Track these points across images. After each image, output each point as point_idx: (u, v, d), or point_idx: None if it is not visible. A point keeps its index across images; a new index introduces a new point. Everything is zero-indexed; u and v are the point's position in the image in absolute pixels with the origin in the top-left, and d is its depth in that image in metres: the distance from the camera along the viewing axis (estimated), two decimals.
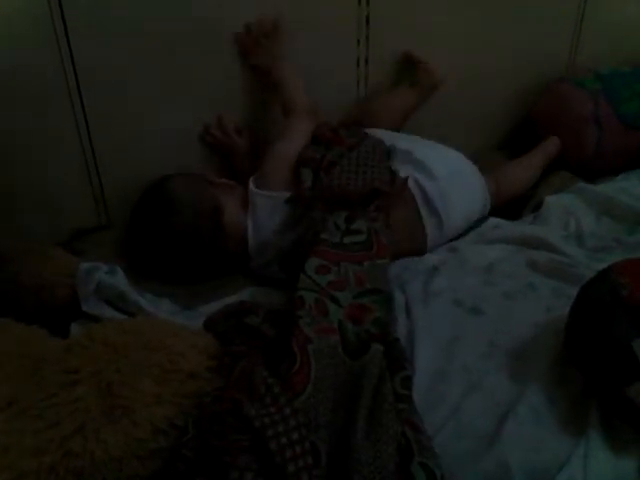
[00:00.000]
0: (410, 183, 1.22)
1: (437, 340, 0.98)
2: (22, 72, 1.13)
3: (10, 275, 1.05)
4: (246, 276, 1.22)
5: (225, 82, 1.33)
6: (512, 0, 1.57)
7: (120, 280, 1.10)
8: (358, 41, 1.43)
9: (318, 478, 0.75)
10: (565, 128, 1.56)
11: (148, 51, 1.22)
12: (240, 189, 1.26)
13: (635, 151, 1.55)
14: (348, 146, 1.25)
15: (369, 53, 1.45)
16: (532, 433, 0.83)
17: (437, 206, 1.22)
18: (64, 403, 0.78)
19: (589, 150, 1.54)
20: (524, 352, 0.95)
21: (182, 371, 0.84)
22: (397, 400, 0.83)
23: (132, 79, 1.23)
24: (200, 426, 0.81)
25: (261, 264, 1.22)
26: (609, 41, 1.71)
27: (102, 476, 0.77)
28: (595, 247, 1.24)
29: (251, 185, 1.22)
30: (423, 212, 1.22)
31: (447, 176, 1.25)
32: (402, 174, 1.22)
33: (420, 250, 1.23)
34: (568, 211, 1.34)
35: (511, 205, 1.42)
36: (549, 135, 1.58)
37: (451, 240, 1.27)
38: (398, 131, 1.46)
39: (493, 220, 1.32)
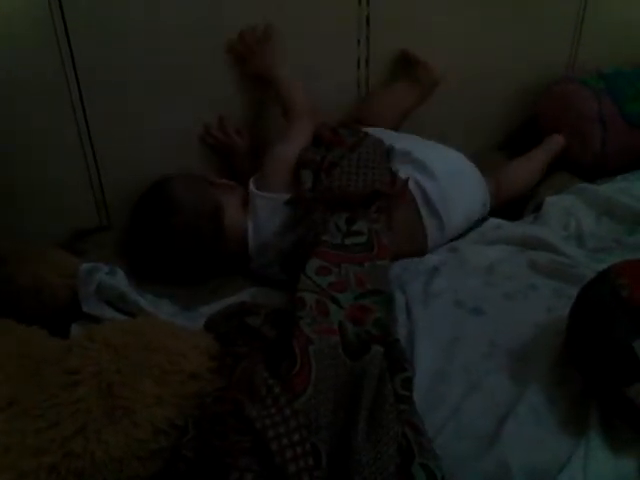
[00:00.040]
0: (410, 184, 1.22)
1: (437, 341, 0.98)
2: (22, 72, 1.13)
3: (10, 276, 1.05)
4: (246, 277, 1.23)
5: (225, 82, 1.33)
6: (512, 0, 1.57)
7: (120, 281, 1.10)
8: (358, 41, 1.43)
9: (319, 479, 0.75)
10: (569, 127, 1.56)
11: (148, 51, 1.22)
12: (240, 189, 1.26)
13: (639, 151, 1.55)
14: (348, 147, 1.25)
15: (369, 53, 1.45)
16: (532, 433, 0.83)
17: (437, 207, 1.22)
18: (65, 404, 0.78)
19: (594, 150, 1.53)
20: (524, 353, 0.95)
21: (183, 372, 0.84)
22: (397, 401, 0.83)
23: (132, 79, 1.23)
24: (201, 427, 0.81)
25: (261, 265, 1.22)
26: (609, 41, 1.71)
27: (102, 476, 0.77)
28: (595, 248, 1.24)
29: (251, 186, 1.22)
30: (423, 213, 1.22)
31: (447, 176, 1.25)
32: (402, 175, 1.22)
33: (420, 250, 1.23)
34: (568, 212, 1.34)
35: (512, 205, 1.42)
36: (552, 134, 1.58)
37: (452, 240, 1.27)
38: (397, 129, 1.46)
39: (494, 220, 1.32)
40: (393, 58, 1.49)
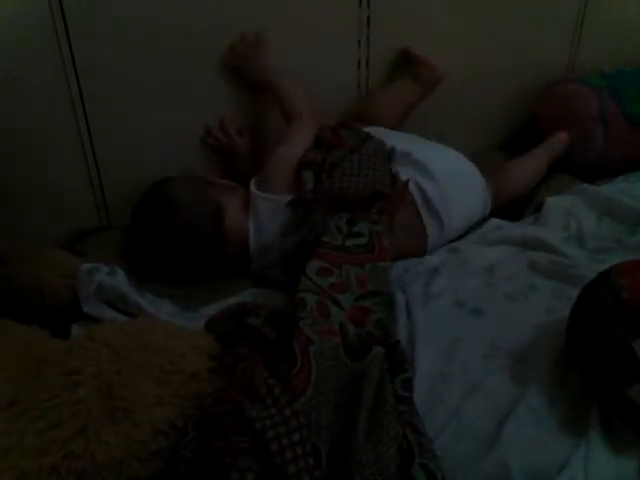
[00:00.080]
0: (411, 185, 1.22)
1: (438, 342, 0.98)
2: (23, 72, 1.13)
3: (11, 276, 1.05)
4: (246, 278, 1.22)
5: (225, 82, 1.33)
6: (512, 0, 1.57)
7: (121, 281, 1.10)
8: (359, 42, 1.43)
9: (319, 479, 0.75)
10: (570, 127, 1.56)
11: (148, 51, 1.22)
12: (241, 190, 1.26)
13: None
14: (349, 148, 1.25)
15: (370, 54, 1.45)
16: (533, 434, 0.83)
17: (437, 208, 1.22)
18: (66, 404, 0.78)
19: (595, 149, 1.53)
20: (525, 353, 0.95)
21: (183, 372, 0.84)
22: (398, 402, 0.83)
23: (132, 79, 1.23)
24: (201, 427, 0.81)
25: (262, 266, 1.22)
26: (609, 41, 1.71)
27: (102, 477, 0.77)
28: (596, 248, 1.24)
29: (253, 187, 1.22)
30: (423, 214, 1.22)
31: (447, 177, 1.25)
32: (403, 176, 1.22)
33: (421, 251, 1.23)
34: (569, 212, 1.34)
35: (512, 206, 1.42)
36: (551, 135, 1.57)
37: (452, 241, 1.27)
38: (399, 126, 1.46)
39: (494, 221, 1.32)
40: (393, 59, 1.49)
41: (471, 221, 1.31)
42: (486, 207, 1.35)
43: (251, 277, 1.23)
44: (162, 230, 1.17)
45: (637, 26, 1.75)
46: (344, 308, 0.95)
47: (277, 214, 1.19)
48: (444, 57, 1.47)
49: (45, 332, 0.96)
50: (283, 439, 0.77)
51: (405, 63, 1.49)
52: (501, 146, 1.72)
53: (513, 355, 0.95)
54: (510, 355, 0.95)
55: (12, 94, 1.14)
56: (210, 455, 0.78)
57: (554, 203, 1.36)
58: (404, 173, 1.23)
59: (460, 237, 1.28)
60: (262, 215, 1.20)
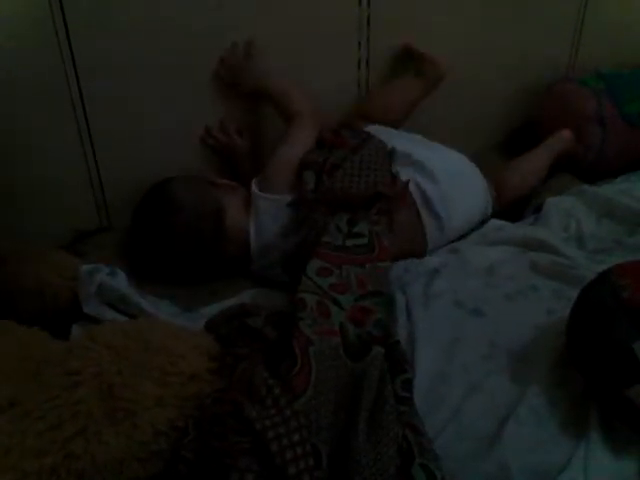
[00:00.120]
0: (411, 186, 1.22)
1: (438, 342, 0.98)
2: (22, 72, 1.13)
3: (11, 276, 1.05)
4: (246, 278, 1.22)
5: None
6: (512, 0, 1.57)
7: (121, 282, 1.10)
8: (359, 42, 1.42)
9: None
10: (568, 128, 1.55)
11: (148, 51, 1.22)
12: (242, 190, 1.26)
13: (639, 151, 1.55)
14: (351, 148, 1.25)
15: (370, 54, 1.45)
16: (533, 435, 0.83)
17: (438, 209, 1.22)
18: (66, 405, 0.78)
19: (593, 150, 1.53)
20: (525, 354, 0.95)
21: (183, 373, 0.84)
22: (398, 402, 0.84)
23: (132, 79, 1.23)
24: (201, 428, 0.81)
25: (263, 266, 1.22)
26: (609, 42, 1.71)
27: (103, 478, 0.77)
28: (595, 249, 1.24)
29: (254, 187, 1.22)
30: (423, 215, 1.22)
31: (448, 178, 1.25)
32: (403, 177, 1.22)
33: (420, 252, 1.23)
34: (569, 213, 1.34)
35: (512, 207, 1.42)
36: (550, 135, 1.57)
37: (453, 241, 1.27)
38: (402, 123, 1.46)
39: (495, 222, 1.32)
40: (394, 58, 1.49)
41: (472, 222, 1.31)
42: (487, 208, 1.35)
43: (251, 277, 1.23)
44: (163, 230, 1.17)
45: (637, 26, 1.75)
46: (344, 308, 0.95)
47: (278, 214, 1.19)
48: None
49: (45, 333, 0.96)
50: (283, 439, 0.77)
51: (406, 62, 1.49)
52: (501, 146, 1.71)
53: (513, 355, 0.96)
54: (510, 355, 0.96)
55: (12, 94, 1.14)
56: (210, 456, 0.78)
57: (554, 204, 1.36)
58: (405, 174, 1.23)
59: (461, 238, 1.28)
60: (263, 215, 1.20)
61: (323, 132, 1.30)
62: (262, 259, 1.21)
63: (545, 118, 1.64)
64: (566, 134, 1.54)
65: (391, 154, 1.27)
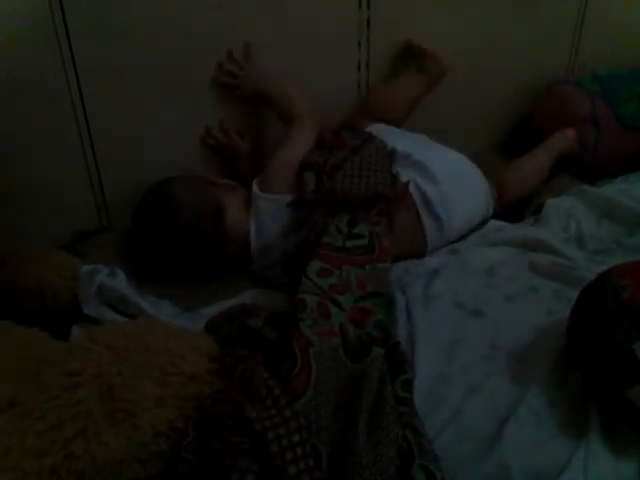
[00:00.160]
0: (411, 187, 1.22)
1: (438, 343, 0.98)
2: (22, 72, 1.13)
3: (11, 276, 1.05)
4: (246, 278, 1.22)
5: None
6: (512, 0, 1.57)
7: (121, 282, 1.10)
8: (359, 43, 1.42)
9: None
10: (564, 128, 1.55)
11: (148, 51, 1.22)
12: (242, 190, 1.26)
13: (634, 152, 1.55)
14: (351, 149, 1.25)
15: (370, 55, 1.45)
16: (533, 435, 0.83)
17: (438, 210, 1.22)
18: (66, 405, 0.78)
19: (587, 151, 1.54)
20: (525, 354, 0.95)
21: (183, 374, 0.84)
22: (398, 403, 0.83)
23: (132, 79, 1.23)
24: (201, 429, 0.81)
25: (263, 267, 1.22)
26: (609, 42, 1.71)
27: (102, 478, 0.77)
28: (595, 249, 1.24)
29: (254, 188, 1.22)
30: (423, 216, 1.22)
31: (448, 179, 1.25)
32: (404, 178, 1.22)
33: (420, 252, 1.23)
34: (569, 213, 1.34)
35: (512, 207, 1.42)
36: (548, 135, 1.57)
37: (453, 242, 1.27)
38: (405, 120, 1.46)
39: (495, 223, 1.32)
40: (394, 59, 1.48)
41: (472, 223, 1.30)
42: (489, 209, 1.34)
43: (251, 278, 1.23)
44: (163, 230, 1.17)
45: (637, 26, 1.75)
46: (344, 309, 0.95)
47: (278, 214, 1.19)
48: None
49: (45, 334, 0.96)
50: (283, 440, 0.77)
51: (407, 59, 1.49)
52: (501, 146, 1.71)
53: (513, 356, 0.95)
54: (510, 356, 0.96)
55: (12, 94, 1.14)
56: (210, 456, 0.78)
57: (554, 204, 1.36)
58: (405, 174, 1.23)
59: (461, 238, 1.28)
60: (263, 215, 1.20)
61: (323, 133, 1.29)
62: (262, 259, 1.21)
63: (542, 118, 1.64)
64: (569, 133, 1.54)
65: (391, 155, 1.27)
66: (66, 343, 0.94)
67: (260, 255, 1.21)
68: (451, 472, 0.79)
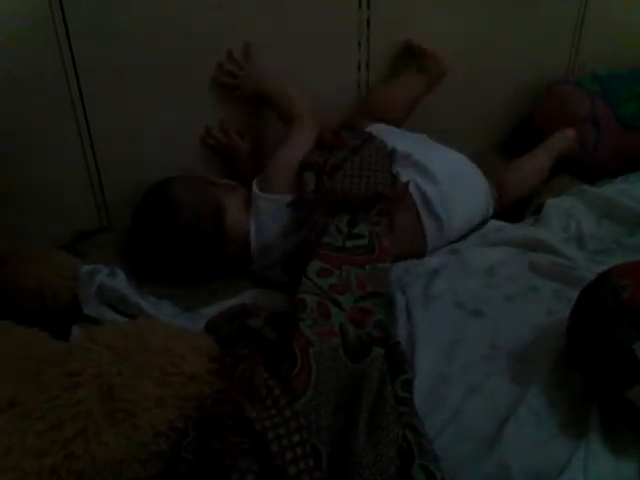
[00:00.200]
0: (411, 187, 1.22)
1: (438, 343, 0.98)
2: (22, 72, 1.13)
3: (11, 276, 1.05)
4: (246, 278, 1.22)
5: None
6: (512, 0, 1.57)
7: (121, 282, 1.10)
8: (359, 43, 1.42)
9: None
10: (564, 128, 1.55)
11: (148, 51, 1.22)
12: (242, 190, 1.26)
13: (634, 152, 1.55)
14: (351, 149, 1.25)
15: (370, 55, 1.45)
16: (533, 435, 0.83)
17: (438, 210, 1.22)
18: (66, 405, 0.78)
19: (587, 151, 1.54)
20: (525, 354, 0.95)
21: (183, 374, 0.84)
22: (398, 403, 0.83)
23: (132, 79, 1.23)
24: (201, 429, 0.81)
25: (263, 266, 1.22)
26: (609, 42, 1.71)
27: (102, 478, 0.77)
28: (595, 249, 1.24)
29: (255, 188, 1.22)
30: (423, 216, 1.22)
31: (448, 179, 1.25)
32: (404, 178, 1.22)
33: (420, 252, 1.23)
34: (569, 213, 1.34)
35: (513, 207, 1.42)
36: (548, 135, 1.57)
37: (453, 242, 1.27)
38: (406, 120, 1.46)
39: (495, 223, 1.31)
40: (394, 59, 1.49)
41: (472, 223, 1.30)
42: (489, 209, 1.34)
43: (251, 278, 1.23)
44: (163, 230, 1.17)
45: (637, 26, 1.75)
46: (344, 309, 0.95)
47: (278, 214, 1.19)
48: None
49: (45, 334, 0.96)
50: (283, 440, 0.77)
51: (407, 59, 1.49)
52: (501, 146, 1.71)
53: (513, 356, 0.95)
54: (510, 356, 0.96)
55: (12, 94, 1.14)
56: (210, 456, 0.78)
57: (554, 204, 1.36)
58: (405, 174, 1.23)
59: (461, 238, 1.28)
60: (263, 215, 1.20)
61: (323, 133, 1.29)
62: (262, 259, 1.21)
63: (542, 118, 1.64)
64: (569, 133, 1.54)
65: (391, 155, 1.27)
66: (66, 343, 0.94)
67: (260, 255, 1.21)
68: (451, 472, 0.79)
